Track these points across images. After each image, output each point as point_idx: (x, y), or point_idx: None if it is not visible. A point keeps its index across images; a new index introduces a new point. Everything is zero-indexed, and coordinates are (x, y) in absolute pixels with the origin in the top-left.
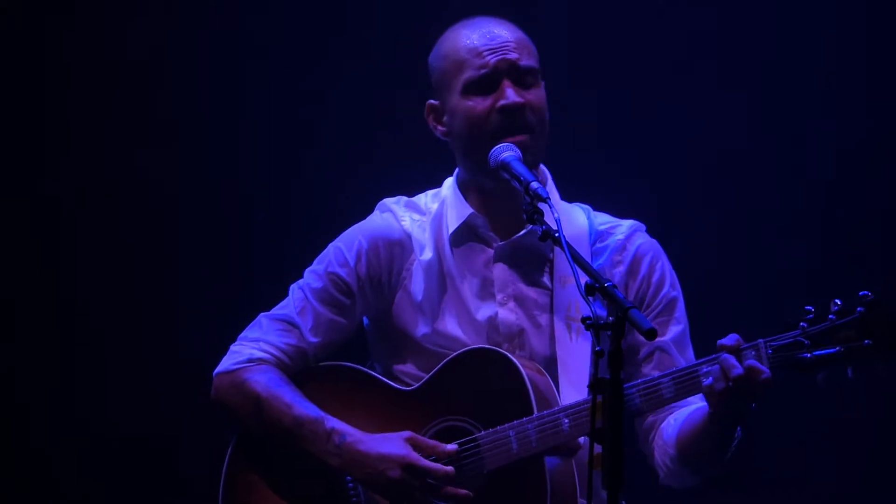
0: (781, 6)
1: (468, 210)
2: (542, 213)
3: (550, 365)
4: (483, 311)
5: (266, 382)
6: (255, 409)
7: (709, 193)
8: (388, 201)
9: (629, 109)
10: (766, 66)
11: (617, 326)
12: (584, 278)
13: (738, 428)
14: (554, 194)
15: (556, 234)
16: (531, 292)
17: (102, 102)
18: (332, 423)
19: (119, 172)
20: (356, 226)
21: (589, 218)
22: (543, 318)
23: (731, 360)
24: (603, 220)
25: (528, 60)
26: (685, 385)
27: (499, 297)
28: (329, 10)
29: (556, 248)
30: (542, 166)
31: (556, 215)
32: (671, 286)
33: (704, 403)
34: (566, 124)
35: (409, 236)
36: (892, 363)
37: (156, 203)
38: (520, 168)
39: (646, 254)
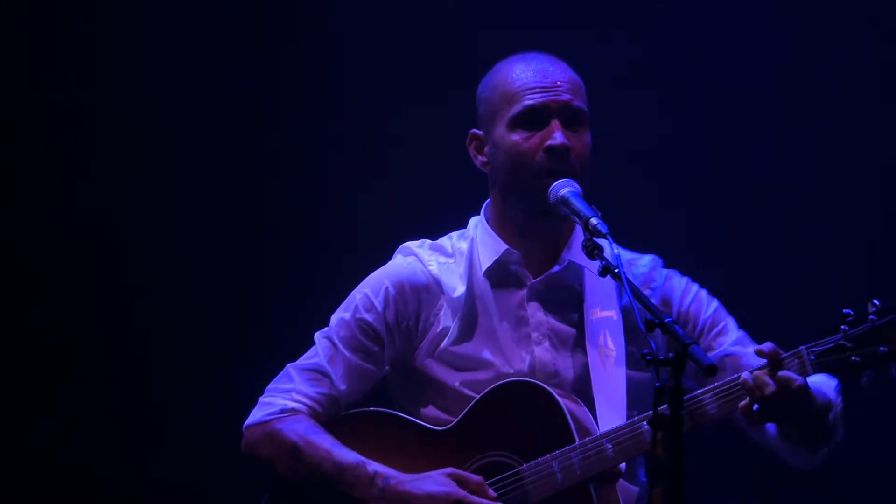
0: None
1: (503, 246)
2: (601, 249)
3: (587, 398)
4: (519, 353)
5: (302, 431)
6: (292, 459)
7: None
8: (411, 245)
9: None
10: None
11: (677, 362)
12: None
13: (834, 398)
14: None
15: (617, 270)
16: (565, 328)
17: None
18: (374, 466)
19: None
20: (380, 270)
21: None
22: (578, 353)
23: (764, 377)
24: (626, 253)
25: (580, 102)
26: (728, 400)
27: (534, 335)
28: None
29: (586, 280)
30: None
31: (615, 251)
32: (706, 298)
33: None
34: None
35: (436, 281)
36: None
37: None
38: (579, 204)
39: (671, 277)
